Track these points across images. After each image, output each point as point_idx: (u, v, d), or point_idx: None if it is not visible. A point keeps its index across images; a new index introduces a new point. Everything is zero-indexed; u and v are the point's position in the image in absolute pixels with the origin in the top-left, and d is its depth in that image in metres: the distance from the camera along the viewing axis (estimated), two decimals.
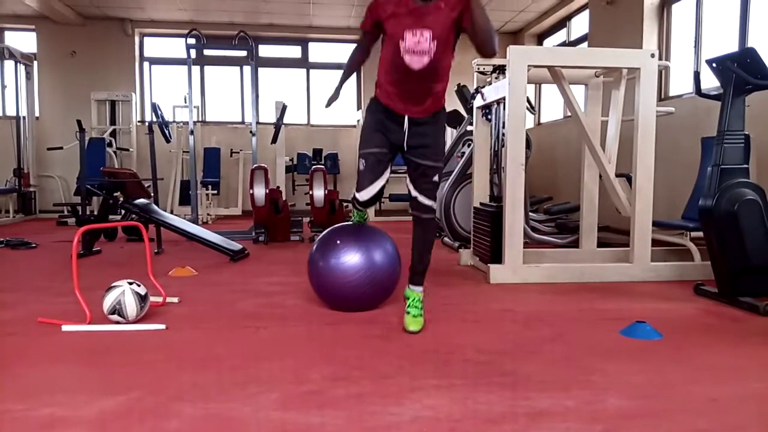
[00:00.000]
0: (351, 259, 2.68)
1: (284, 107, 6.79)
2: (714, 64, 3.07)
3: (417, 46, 2.35)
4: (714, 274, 3.09)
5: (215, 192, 8.08)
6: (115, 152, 8.45)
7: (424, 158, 2.51)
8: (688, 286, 3.35)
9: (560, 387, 1.83)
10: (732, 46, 4.70)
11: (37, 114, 8.49)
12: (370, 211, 5.94)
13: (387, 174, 2.59)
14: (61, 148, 7.50)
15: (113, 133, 8.62)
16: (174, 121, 8.28)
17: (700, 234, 3.26)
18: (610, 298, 3.18)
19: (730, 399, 1.78)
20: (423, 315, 2.53)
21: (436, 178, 2.54)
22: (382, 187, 2.60)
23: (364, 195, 2.56)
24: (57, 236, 5.81)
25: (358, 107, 9.20)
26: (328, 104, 2.75)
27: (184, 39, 5.84)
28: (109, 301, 2.53)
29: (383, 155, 2.54)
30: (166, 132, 7.03)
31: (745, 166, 2.98)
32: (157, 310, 2.80)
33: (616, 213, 3.99)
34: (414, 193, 2.52)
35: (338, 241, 2.75)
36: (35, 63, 8.47)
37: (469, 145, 5.24)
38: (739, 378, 1.96)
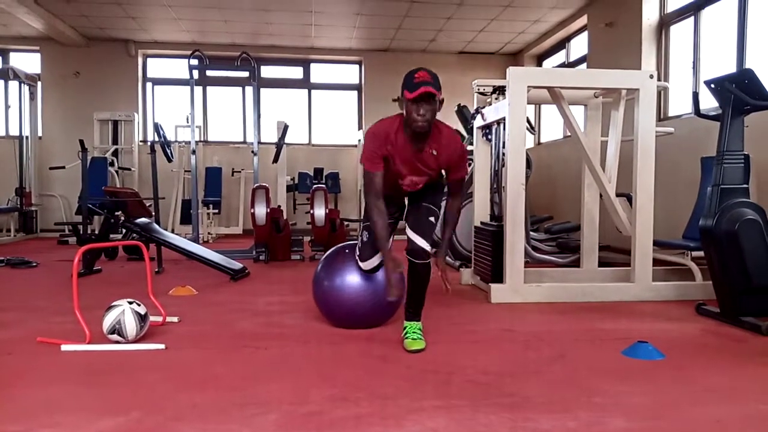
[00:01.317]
0: (356, 278, 2.72)
1: (286, 127, 6.84)
2: (713, 85, 3.10)
3: (412, 183, 2.60)
4: (715, 293, 3.08)
5: (216, 211, 8.10)
6: (116, 172, 8.48)
7: (420, 201, 2.66)
8: (689, 306, 3.33)
9: (562, 408, 1.82)
10: (730, 68, 4.74)
11: (40, 134, 8.55)
12: None
13: (390, 241, 2.71)
14: (64, 167, 7.54)
15: (115, 153, 8.66)
16: (176, 141, 8.33)
17: (701, 253, 3.26)
18: (612, 318, 3.16)
19: (734, 420, 1.76)
20: (423, 338, 2.54)
21: (432, 218, 2.61)
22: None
23: (367, 265, 2.70)
24: (58, 255, 5.81)
25: (359, 127, 9.26)
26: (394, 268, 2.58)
27: (186, 60, 5.90)
28: (108, 320, 2.52)
29: (385, 224, 2.65)
30: (168, 152, 7.07)
31: (745, 185, 2.99)
32: (157, 329, 2.79)
33: (616, 232, 3.99)
34: (410, 233, 2.58)
35: (344, 260, 2.78)
36: (39, 83, 8.55)
37: (469, 165, 5.26)
38: (742, 398, 1.95)
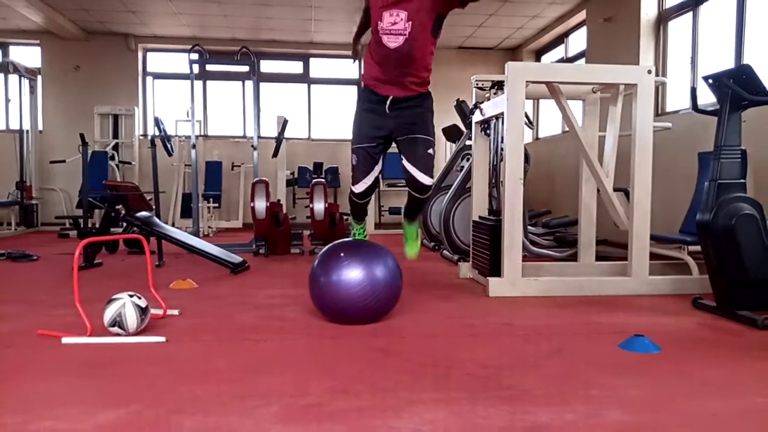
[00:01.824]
0: (353, 273, 2.69)
1: (285, 122, 6.84)
2: (710, 81, 3.10)
3: (393, 26, 2.47)
4: (712, 288, 3.10)
5: (216, 205, 8.11)
6: (117, 165, 8.49)
7: (412, 132, 2.60)
8: (686, 300, 3.35)
9: (560, 401, 1.84)
10: (728, 63, 4.75)
11: (40, 127, 8.54)
12: (370, 225, 5.96)
13: (379, 166, 2.70)
14: (64, 161, 7.55)
15: (116, 147, 8.66)
16: (176, 135, 8.33)
17: (698, 248, 3.27)
18: (609, 312, 3.18)
19: (731, 413, 1.78)
20: (418, 244, 2.63)
21: (430, 150, 2.58)
22: (376, 179, 2.71)
23: (360, 187, 2.70)
24: (58, 249, 5.82)
25: None
26: (355, 59, 3.00)
27: (186, 54, 5.90)
28: (109, 313, 2.53)
29: (373, 149, 2.65)
30: (169, 146, 7.07)
31: (742, 180, 3.01)
32: (158, 322, 2.80)
33: (614, 227, 4.01)
34: (409, 167, 2.55)
35: (342, 255, 2.77)
36: (39, 77, 8.54)
37: (467, 160, 5.27)
38: (738, 392, 1.96)
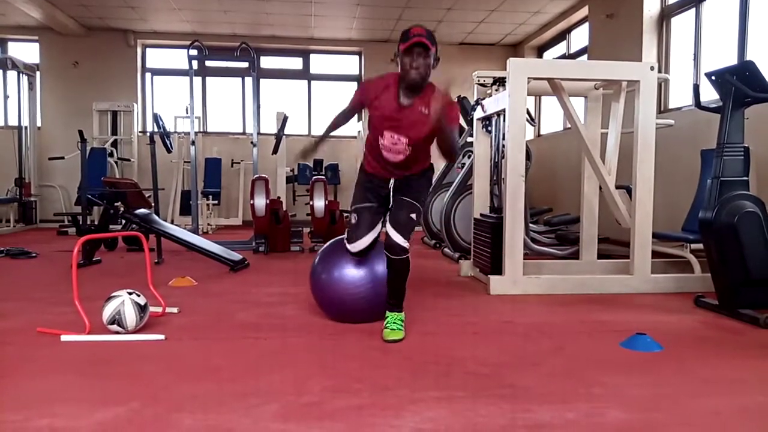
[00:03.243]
0: (354, 271, 2.69)
1: (285, 118, 6.82)
2: (713, 77, 3.09)
3: (393, 146, 2.53)
4: (714, 286, 3.09)
5: (216, 202, 8.09)
6: (116, 162, 8.48)
7: (402, 194, 2.63)
8: (688, 298, 3.34)
9: (561, 399, 1.83)
10: (731, 60, 4.73)
11: (39, 124, 8.52)
12: None
13: (378, 228, 2.70)
14: (63, 158, 7.53)
15: (115, 144, 8.65)
16: (175, 132, 8.31)
17: (700, 246, 3.27)
18: (611, 310, 3.17)
19: (733, 412, 1.77)
20: (403, 330, 2.55)
21: (413, 215, 2.59)
22: (374, 240, 2.69)
23: (356, 247, 2.64)
24: (57, 246, 5.81)
25: (359, 118, 9.23)
26: (303, 156, 2.94)
27: (186, 50, 5.87)
28: (108, 311, 2.52)
29: (374, 209, 2.67)
30: (168, 142, 7.05)
31: (745, 178, 2.99)
32: (157, 320, 2.79)
33: (616, 224, 3.99)
34: (389, 229, 2.56)
35: (341, 253, 2.75)
36: (38, 73, 8.51)
37: (469, 157, 5.26)
38: (740, 391, 1.95)
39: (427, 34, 2.38)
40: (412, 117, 2.47)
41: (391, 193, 2.69)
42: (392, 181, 2.68)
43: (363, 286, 2.68)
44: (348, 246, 2.66)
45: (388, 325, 2.55)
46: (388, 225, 2.58)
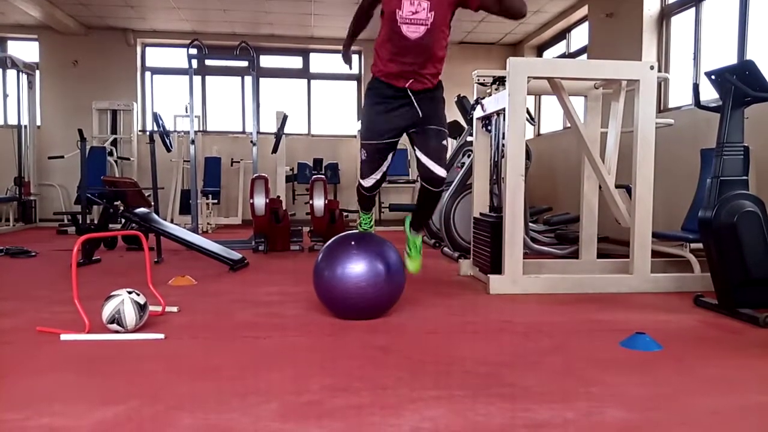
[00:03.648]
0: (357, 267, 2.70)
1: (285, 117, 6.82)
2: (713, 77, 3.09)
3: (414, 15, 2.37)
4: (714, 285, 3.09)
5: (215, 201, 8.09)
6: (115, 161, 8.47)
7: (427, 124, 2.56)
8: (687, 298, 3.34)
9: (560, 398, 1.83)
10: (731, 59, 4.73)
11: (38, 123, 8.52)
12: None
13: (388, 161, 2.69)
14: (62, 157, 7.52)
15: (114, 143, 8.64)
16: (175, 131, 8.30)
17: (700, 245, 3.26)
18: (610, 309, 3.17)
19: (732, 411, 1.77)
20: (420, 257, 2.66)
21: (444, 142, 2.58)
22: (384, 173, 2.70)
23: (368, 181, 2.69)
24: (57, 245, 5.81)
25: (359, 117, 9.23)
26: (346, 61, 2.85)
27: (185, 49, 5.87)
28: (108, 310, 2.52)
29: (384, 145, 2.61)
30: (167, 141, 7.05)
31: (745, 177, 2.99)
32: (157, 319, 2.79)
33: (615, 224, 3.99)
34: (424, 158, 2.52)
35: (352, 243, 2.77)
36: (37, 72, 8.51)
37: (468, 156, 5.25)
38: (740, 390, 1.96)
39: None
40: None
41: (410, 122, 2.60)
42: (406, 94, 2.54)
43: (367, 282, 2.69)
44: (361, 182, 2.67)
45: (410, 251, 2.76)
46: (422, 156, 2.53)
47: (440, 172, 2.49)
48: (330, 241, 2.91)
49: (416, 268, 2.82)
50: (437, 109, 2.60)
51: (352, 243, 2.79)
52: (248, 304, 3.20)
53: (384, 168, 2.66)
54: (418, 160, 2.55)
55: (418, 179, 2.57)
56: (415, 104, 2.55)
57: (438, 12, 2.40)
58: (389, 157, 2.66)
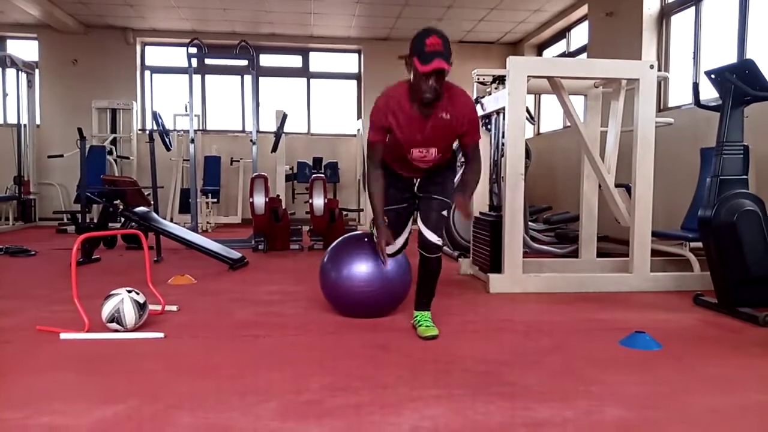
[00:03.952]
0: (363, 268, 2.73)
1: (285, 116, 6.81)
2: (713, 76, 3.09)
3: (423, 158, 2.50)
4: (713, 284, 3.09)
5: (215, 200, 8.08)
6: (115, 160, 8.46)
7: (431, 192, 2.61)
8: (687, 297, 3.34)
9: (560, 397, 1.83)
10: (731, 58, 4.73)
11: (38, 122, 8.51)
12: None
13: (409, 226, 2.75)
14: (62, 155, 7.51)
15: (114, 142, 8.63)
16: (174, 130, 8.30)
17: (700, 244, 3.26)
18: (610, 308, 3.17)
19: (731, 410, 1.78)
20: (434, 326, 2.58)
21: (444, 212, 2.60)
22: (407, 239, 2.76)
23: (393, 247, 2.70)
24: (56, 244, 5.80)
25: (358, 116, 9.23)
26: (385, 244, 2.66)
27: (185, 48, 5.86)
28: (107, 309, 2.52)
29: (402, 210, 2.68)
30: (167, 140, 7.04)
31: (744, 176, 2.99)
32: (156, 318, 2.79)
33: (615, 223, 3.99)
34: (422, 227, 2.58)
35: (366, 240, 2.81)
36: (37, 71, 8.49)
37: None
38: (739, 389, 1.96)
39: (445, 51, 2.19)
40: (436, 127, 2.39)
41: (417, 189, 2.67)
42: (416, 180, 2.66)
43: (373, 283, 2.73)
44: (386, 248, 2.65)
45: (420, 323, 2.59)
46: (420, 224, 2.58)
47: (436, 240, 2.54)
48: (334, 243, 2.93)
49: (434, 331, 2.51)
50: (444, 179, 2.64)
51: (359, 244, 2.83)
52: (248, 303, 3.20)
53: (405, 234, 2.72)
54: (418, 226, 2.59)
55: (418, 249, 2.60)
56: (423, 179, 2.66)
57: (444, 147, 2.51)
58: (409, 224, 2.74)
